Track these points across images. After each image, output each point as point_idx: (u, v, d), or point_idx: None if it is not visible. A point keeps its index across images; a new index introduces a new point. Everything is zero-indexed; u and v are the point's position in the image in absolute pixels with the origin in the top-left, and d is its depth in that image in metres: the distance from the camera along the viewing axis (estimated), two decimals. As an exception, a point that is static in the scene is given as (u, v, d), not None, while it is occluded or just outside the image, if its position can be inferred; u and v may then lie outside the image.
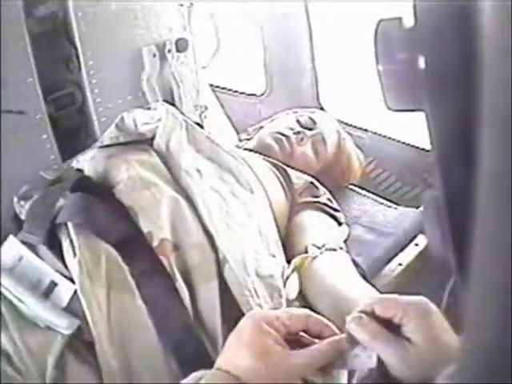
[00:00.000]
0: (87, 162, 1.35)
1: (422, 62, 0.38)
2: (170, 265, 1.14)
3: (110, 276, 1.12)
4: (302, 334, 0.82)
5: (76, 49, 1.75)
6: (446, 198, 0.38)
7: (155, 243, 1.16)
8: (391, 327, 0.79)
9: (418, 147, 2.21)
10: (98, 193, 1.27)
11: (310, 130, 1.90)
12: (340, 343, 0.79)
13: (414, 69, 0.39)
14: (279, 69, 2.48)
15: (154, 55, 1.92)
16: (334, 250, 1.30)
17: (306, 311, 0.85)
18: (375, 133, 2.35)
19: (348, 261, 1.32)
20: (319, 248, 1.29)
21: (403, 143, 2.27)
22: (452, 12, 0.36)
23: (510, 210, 0.27)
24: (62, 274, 1.15)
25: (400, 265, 1.68)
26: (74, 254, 1.14)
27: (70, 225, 1.19)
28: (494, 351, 0.29)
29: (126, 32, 1.89)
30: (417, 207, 1.89)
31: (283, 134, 1.84)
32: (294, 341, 0.80)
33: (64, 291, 1.13)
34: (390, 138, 2.31)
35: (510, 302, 0.27)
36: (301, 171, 1.69)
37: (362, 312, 0.81)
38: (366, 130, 2.36)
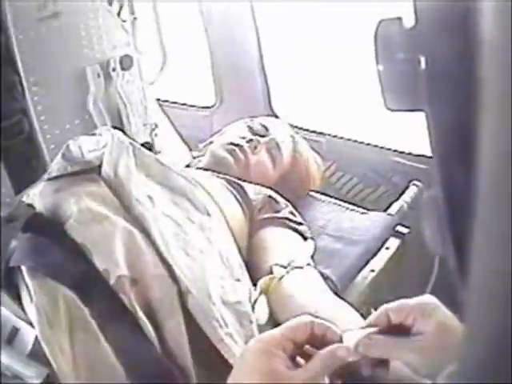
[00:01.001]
0: (36, 197, 1.26)
1: (422, 62, 0.38)
2: (131, 302, 1.07)
3: (71, 320, 1.05)
4: (306, 347, 0.81)
5: (19, 75, 1.65)
6: (446, 198, 0.38)
7: (112, 281, 1.08)
8: (401, 328, 0.82)
9: (380, 147, 2.18)
10: (49, 230, 1.18)
11: (263, 136, 1.84)
12: (340, 350, 0.79)
13: (414, 69, 0.39)
14: (228, 77, 2.43)
15: (99, 75, 1.83)
16: (301, 267, 1.24)
17: (307, 318, 0.83)
18: (332, 135, 2.30)
19: (317, 277, 1.26)
20: (285, 267, 1.23)
21: (364, 143, 2.23)
22: (452, 12, 0.36)
23: (509, 208, 0.27)
24: (22, 319, 1.08)
25: (372, 271, 1.64)
26: (31, 299, 1.07)
27: (23, 268, 1.10)
28: (494, 351, 0.29)
29: (70, 52, 1.80)
30: (384, 210, 1.84)
31: (235, 144, 1.78)
32: (302, 354, 0.81)
33: (27, 336, 1.07)
34: (349, 139, 2.26)
35: (510, 301, 0.27)
36: (258, 183, 1.63)
37: (368, 326, 0.84)
38: (322, 134, 2.30)
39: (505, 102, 0.27)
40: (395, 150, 2.17)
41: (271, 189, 1.61)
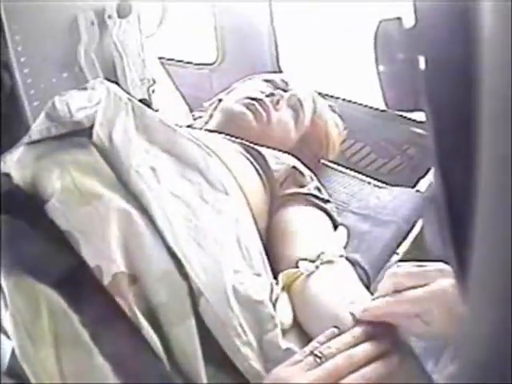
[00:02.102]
0: (14, 165, 1.04)
1: (422, 62, 0.38)
2: (130, 306, 0.87)
3: (56, 330, 0.85)
4: None
5: (0, 23, 1.44)
6: (446, 198, 0.38)
7: (106, 281, 0.88)
8: None
9: (397, 115, 1.98)
10: (29, 211, 0.97)
11: (285, 91, 1.63)
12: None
13: (414, 69, 0.39)
14: (232, 32, 2.21)
15: (92, 23, 1.61)
16: (332, 262, 1.05)
17: None
18: (346, 100, 2.10)
19: (350, 274, 1.07)
20: (313, 261, 1.04)
21: (379, 110, 2.03)
22: (452, 12, 0.36)
23: (510, 208, 0.27)
24: None
25: (397, 254, 1.47)
26: (6, 305, 0.87)
27: None
28: (494, 351, 0.29)
29: (60, -3, 1.57)
30: (412, 186, 1.67)
31: (255, 99, 1.56)
32: None
33: (3, 350, 0.87)
34: (363, 105, 2.07)
35: (510, 301, 0.27)
36: (276, 147, 1.43)
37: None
38: (334, 97, 2.10)
39: (505, 102, 0.27)
40: (413, 120, 1.97)
41: (288, 153, 1.42)
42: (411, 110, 0.45)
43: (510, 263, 0.27)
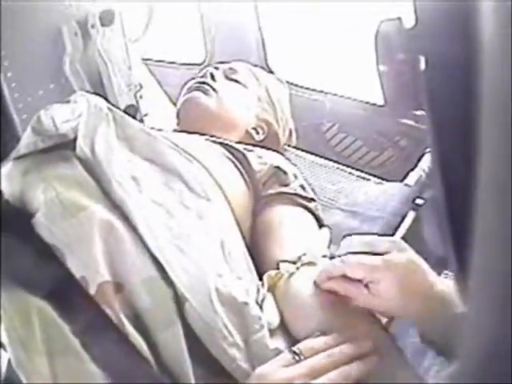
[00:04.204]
0: (3, 179, 1.05)
1: (422, 62, 0.38)
2: (117, 314, 0.88)
3: (48, 340, 0.87)
4: None
5: (-15, 40, 1.44)
6: (446, 198, 0.38)
7: (93, 290, 0.89)
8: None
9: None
10: (18, 225, 0.98)
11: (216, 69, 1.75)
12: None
13: (414, 69, 0.40)
14: (220, 32, 2.21)
15: (76, 34, 1.62)
16: (314, 264, 1.06)
17: None
18: (335, 94, 2.09)
19: None
20: (294, 262, 1.05)
21: (369, 103, 2.03)
22: (452, 12, 0.36)
23: (509, 208, 0.27)
24: None
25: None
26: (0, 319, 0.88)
27: None
28: (494, 351, 0.29)
29: (42, 10, 1.58)
30: (400, 180, 1.67)
31: (194, 83, 1.68)
32: None
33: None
34: (352, 98, 2.06)
35: (510, 301, 0.27)
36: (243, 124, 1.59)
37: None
38: (324, 92, 2.11)
39: (505, 101, 0.27)
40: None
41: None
42: (411, 110, 0.47)
43: (509, 263, 0.27)
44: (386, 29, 0.46)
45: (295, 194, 1.28)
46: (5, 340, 0.88)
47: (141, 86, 1.84)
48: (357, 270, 0.92)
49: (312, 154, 1.91)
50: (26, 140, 1.11)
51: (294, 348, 0.87)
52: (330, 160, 1.89)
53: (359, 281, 0.92)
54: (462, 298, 0.35)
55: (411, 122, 1.94)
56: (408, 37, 0.43)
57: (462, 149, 0.34)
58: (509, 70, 0.27)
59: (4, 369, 0.90)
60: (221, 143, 1.38)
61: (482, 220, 0.30)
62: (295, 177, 1.36)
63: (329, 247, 1.15)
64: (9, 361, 0.90)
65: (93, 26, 1.65)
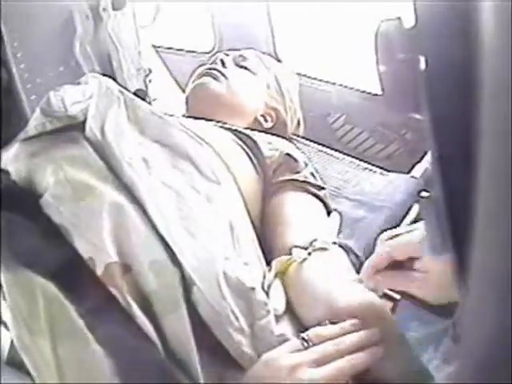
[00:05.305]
0: (10, 161, 1.05)
1: (422, 62, 0.38)
2: (124, 296, 0.88)
3: (52, 320, 0.87)
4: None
5: (-4, 19, 1.43)
6: (446, 198, 0.38)
7: (100, 271, 0.89)
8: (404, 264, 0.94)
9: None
10: (25, 206, 0.98)
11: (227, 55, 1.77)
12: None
13: (414, 69, 0.40)
14: (228, 20, 2.21)
15: (87, 16, 1.61)
16: (325, 249, 1.06)
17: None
18: (343, 85, 2.09)
19: (343, 261, 1.08)
20: (306, 248, 1.05)
21: (377, 95, 2.01)
22: (452, 12, 0.36)
23: (509, 208, 0.27)
24: None
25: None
26: (4, 297, 0.89)
27: None
28: (494, 351, 0.29)
29: (54, -7, 1.57)
30: (404, 172, 1.67)
31: (206, 69, 1.70)
32: None
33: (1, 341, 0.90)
34: (360, 90, 2.06)
35: (510, 301, 0.27)
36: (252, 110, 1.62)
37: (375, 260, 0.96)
38: (331, 83, 2.10)
39: (505, 101, 0.27)
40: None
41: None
42: (411, 110, 0.46)
43: (509, 263, 0.27)
44: (386, 29, 0.46)
45: (306, 182, 1.28)
46: (8, 320, 0.88)
47: (150, 71, 1.84)
48: (403, 248, 0.93)
49: (319, 143, 1.90)
50: (35, 121, 1.11)
51: (303, 334, 0.87)
52: (336, 150, 1.89)
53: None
54: (462, 298, 0.34)
55: (417, 116, 1.94)
56: (408, 37, 0.43)
57: (462, 148, 0.34)
58: (509, 70, 0.27)
59: (7, 348, 0.90)
60: (230, 129, 1.38)
61: (482, 219, 0.30)
62: (305, 164, 1.35)
63: (338, 234, 1.16)
64: (12, 341, 0.90)
65: (104, 10, 1.64)
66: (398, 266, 0.95)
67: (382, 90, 0.48)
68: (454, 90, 0.36)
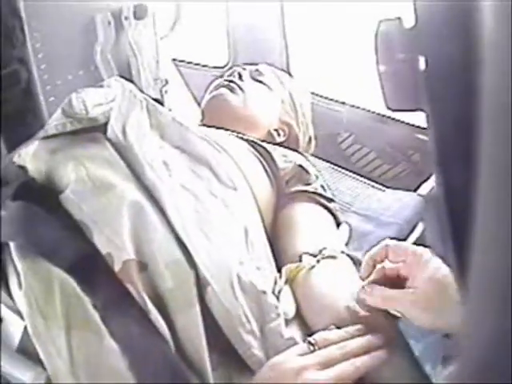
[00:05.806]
0: (29, 158, 1.07)
1: (422, 62, 0.38)
2: (139, 292, 0.90)
3: (68, 312, 0.88)
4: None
5: (20, 20, 1.46)
6: (446, 198, 0.38)
7: (117, 267, 0.91)
8: (397, 280, 0.93)
9: (402, 121, 2.01)
10: (44, 200, 0.99)
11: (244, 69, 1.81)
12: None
13: (414, 69, 0.39)
14: (243, 35, 2.24)
15: (109, 23, 1.66)
16: (334, 257, 1.08)
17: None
18: (353, 106, 2.13)
19: (351, 270, 1.10)
20: (315, 255, 1.07)
21: (386, 117, 2.06)
22: (452, 12, 0.36)
23: (510, 208, 0.27)
24: (8, 307, 0.93)
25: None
26: (20, 285, 0.90)
27: (11, 245, 0.94)
28: (494, 351, 0.29)
29: (77, -2, 1.61)
30: (408, 189, 1.70)
31: (224, 81, 1.73)
32: None
33: (13, 327, 0.91)
34: (370, 111, 2.10)
35: (510, 301, 0.27)
36: (265, 125, 1.63)
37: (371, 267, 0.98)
38: (343, 103, 2.14)
39: (505, 101, 0.27)
40: (418, 127, 1.99)
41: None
42: (412, 110, 0.44)
43: (510, 264, 0.27)
44: (386, 29, 0.46)
45: (316, 193, 1.30)
46: (23, 308, 0.89)
47: (166, 82, 1.88)
48: (398, 250, 0.94)
49: (328, 162, 1.93)
50: (55, 121, 1.13)
51: (310, 338, 0.89)
52: (344, 168, 1.92)
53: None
54: (462, 298, 0.34)
55: (424, 137, 1.97)
56: (408, 37, 0.43)
57: (463, 148, 0.34)
58: (509, 70, 0.27)
59: (19, 337, 0.91)
60: (246, 139, 1.41)
61: (482, 220, 0.30)
62: (316, 177, 1.38)
63: (346, 245, 1.18)
64: (24, 329, 0.91)
65: (126, 18, 1.69)
66: (389, 284, 0.94)
67: (382, 89, 0.47)
68: (454, 89, 0.36)
